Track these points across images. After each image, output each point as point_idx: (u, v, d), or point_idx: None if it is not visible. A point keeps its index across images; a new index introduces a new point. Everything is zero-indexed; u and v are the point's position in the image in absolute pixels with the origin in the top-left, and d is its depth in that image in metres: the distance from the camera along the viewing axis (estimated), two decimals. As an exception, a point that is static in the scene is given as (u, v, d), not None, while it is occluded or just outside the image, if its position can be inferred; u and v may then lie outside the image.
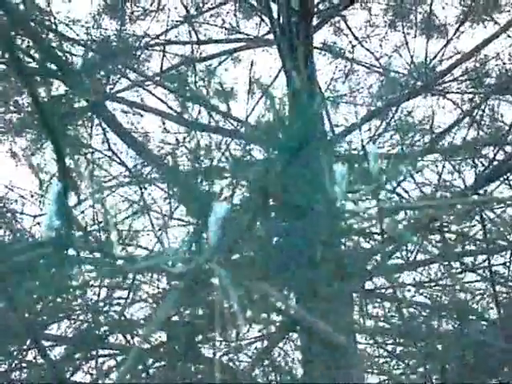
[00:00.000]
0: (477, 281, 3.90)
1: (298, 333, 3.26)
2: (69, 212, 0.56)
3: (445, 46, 4.54)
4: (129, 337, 3.00)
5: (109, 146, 3.72)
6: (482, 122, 4.33)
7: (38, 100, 0.59)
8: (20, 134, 4.55)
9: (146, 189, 3.50)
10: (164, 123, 4.56)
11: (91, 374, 3.60)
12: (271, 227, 0.66)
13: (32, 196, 4.66)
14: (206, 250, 0.58)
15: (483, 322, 3.09)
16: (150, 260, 0.60)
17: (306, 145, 0.74)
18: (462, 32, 4.49)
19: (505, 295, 3.57)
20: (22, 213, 4.45)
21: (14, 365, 3.06)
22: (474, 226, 3.83)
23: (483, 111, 4.38)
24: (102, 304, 2.69)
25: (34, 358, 3.14)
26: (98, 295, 2.88)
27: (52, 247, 0.55)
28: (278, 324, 3.17)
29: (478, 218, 3.73)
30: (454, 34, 4.52)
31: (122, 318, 2.79)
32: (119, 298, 2.71)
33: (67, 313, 2.80)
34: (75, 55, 3.91)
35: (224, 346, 3.36)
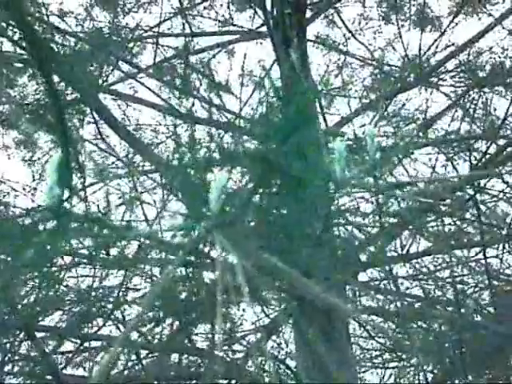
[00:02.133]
0: (469, 273, 3.91)
1: (293, 324, 3.25)
2: (70, 181, 0.55)
3: (438, 38, 4.54)
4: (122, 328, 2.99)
5: (101, 136, 3.70)
6: (475, 115, 4.33)
7: (52, 83, 0.58)
8: (12, 126, 4.52)
9: (138, 179, 3.50)
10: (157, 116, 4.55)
11: (83, 367, 3.59)
12: (270, 200, 0.65)
13: (24, 189, 4.64)
14: (207, 220, 0.57)
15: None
16: (148, 230, 0.59)
17: (301, 127, 0.73)
18: (457, 23, 4.49)
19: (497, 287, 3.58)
20: (14, 206, 4.43)
21: (7, 358, 3.05)
22: (468, 219, 3.84)
23: (476, 105, 4.38)
24: (94, 294, 2.68)
25: (28, 351, 3.13)
26: (91, 287, 2.87)
27: (52, 214, 0.54)
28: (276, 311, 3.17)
29: (471, 211, 3.75)
30: (448, 27, 4.51)
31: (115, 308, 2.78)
32: (112, 287, 2.70)
33: (60, 304, 2.79)
34: (66, 46, 3.88)
35: (218, 338, 3.36)
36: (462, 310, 3.05)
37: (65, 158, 0.60)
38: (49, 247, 0.56)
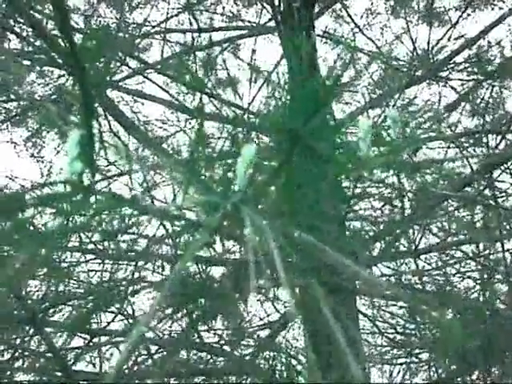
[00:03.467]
0: (478, 269, 3.88)
1: (303, 320, 3.24)
2: (92, 156, 0.54)
3: (447, 31, 4.50)
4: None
5: (111, 131, 3.70)
6: (485, 109, 4.30)
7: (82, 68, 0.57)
8: (21, 123, 4.51)
9: (148, 174, 3.49)
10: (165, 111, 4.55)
11: (93, 363, 3.58)
12: (295, 176, 0.63)
13: (33, 186, 4.63)
14: (232, 195, 0.55)
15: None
16: (167, 206, 0.57)
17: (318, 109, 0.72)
18: (469, 15, 4.45)
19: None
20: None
21: (16, 353, 3.04)
22: (477, 214, 3.81)
23: (487, 102, 4.34)
24: (105, 287, 2.67)
25: (37, 347, 3.12)
26: (101, 279, 2.85)
27: (72, 188, 0.53)
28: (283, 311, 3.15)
29: (481, 206, 3.71)
30: (458, 20, 4.48)
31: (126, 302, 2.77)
32: (124, 280, 2.69)
33: (70, 298, 2.78)
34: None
35: (228, 334, 3.35)
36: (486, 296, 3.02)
37: (87, 134, 0.59)
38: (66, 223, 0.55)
